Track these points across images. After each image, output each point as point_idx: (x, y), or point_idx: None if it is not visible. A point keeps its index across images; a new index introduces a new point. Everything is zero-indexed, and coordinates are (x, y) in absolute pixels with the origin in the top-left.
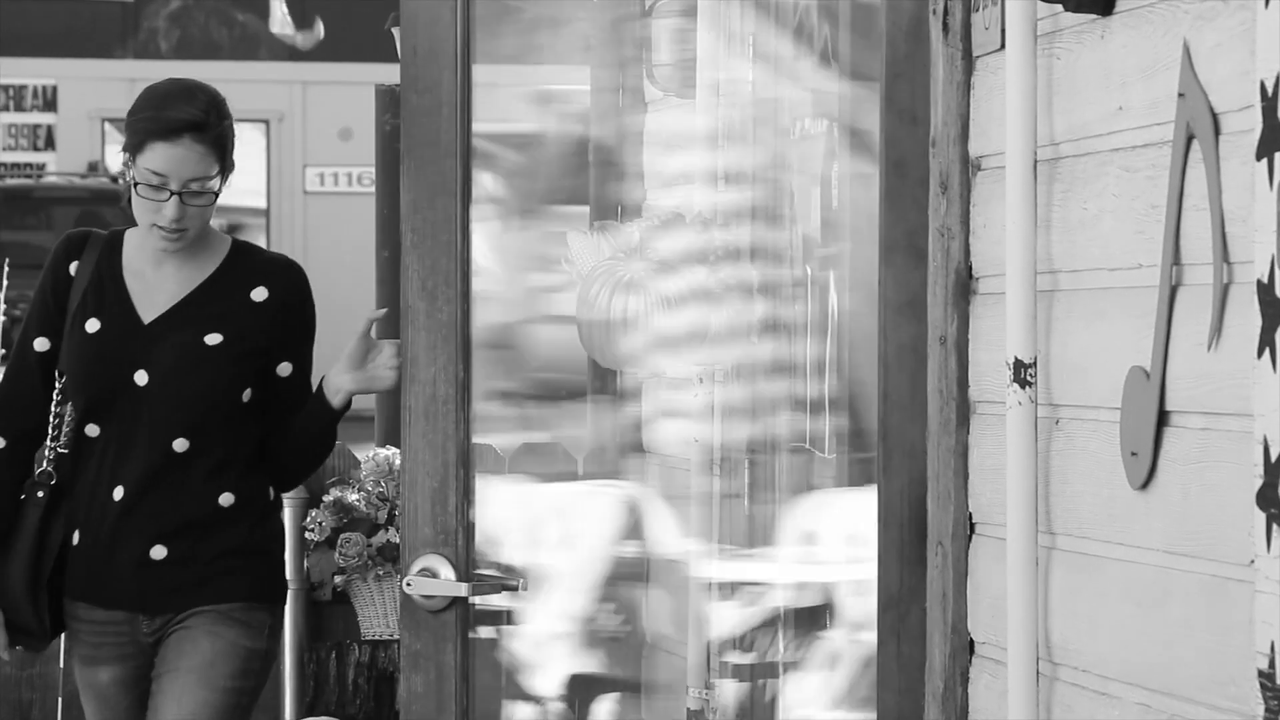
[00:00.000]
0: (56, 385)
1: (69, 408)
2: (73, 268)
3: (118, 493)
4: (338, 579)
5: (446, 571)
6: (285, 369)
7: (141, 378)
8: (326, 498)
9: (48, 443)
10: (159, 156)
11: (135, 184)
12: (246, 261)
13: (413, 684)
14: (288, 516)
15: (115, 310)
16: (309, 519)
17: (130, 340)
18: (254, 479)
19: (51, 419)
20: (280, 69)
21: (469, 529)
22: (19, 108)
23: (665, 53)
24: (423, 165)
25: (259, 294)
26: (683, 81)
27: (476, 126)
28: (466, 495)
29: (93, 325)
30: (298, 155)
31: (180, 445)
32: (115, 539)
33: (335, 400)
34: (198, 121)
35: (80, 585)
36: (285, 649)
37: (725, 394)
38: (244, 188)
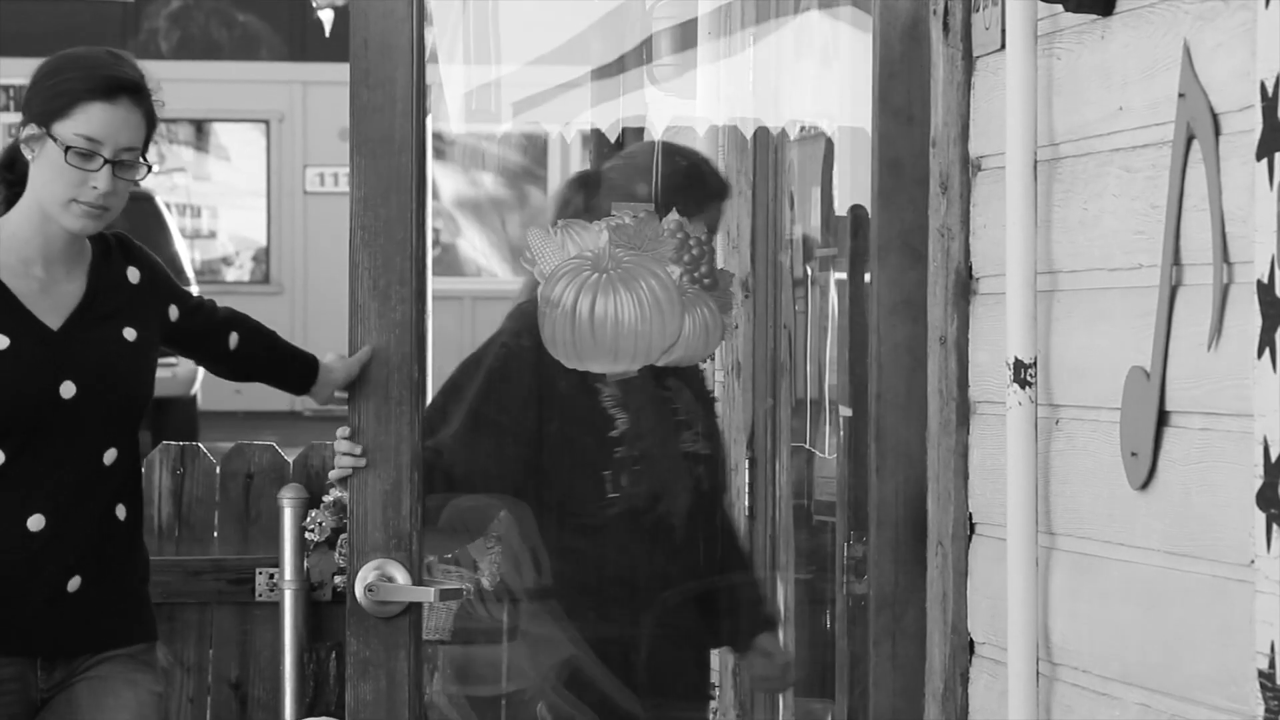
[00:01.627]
0: None
1: None
2: None
3: (34, 522)
4: (338, 579)
5: (401, 576)
6: (173, 312)
7: (68, 389)
8: (326, 498)
9: None
10: (93, 119)
11: (65, 151)
12: (103, 246)
13: (361, 692)
14: (287, 516)
15: (13, 321)
16: (309, 519)
17: (45, 350)
18: (138, 486)
19: None
20: (280, 69)
21: (422, 533)
22: (19, 108)
23: (666, 52)
24: (375, 160)
25: (133, 275)
26: (683, 81)
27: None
28: (420, 499)
29: (1, 342)
30: (298, 155)
31: (110, 457)
32: (28, 575)
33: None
34: (136, 83)
35: None
36: (286, 649)
37: (732, 395)
38: (245, 188)
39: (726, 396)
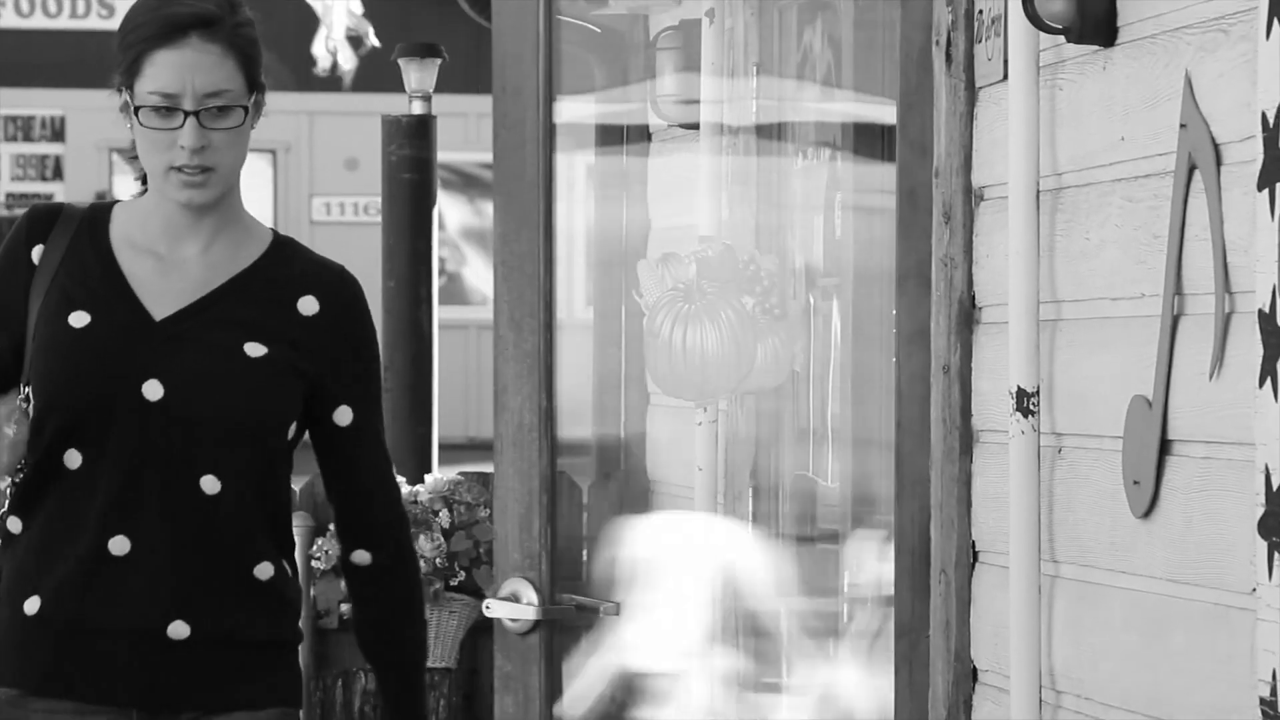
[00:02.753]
0: (20, 396)
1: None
2: (36, 253)
3: (117, 545)
4: (344, 607)
5: (529, 595)
6: (345, 415)
7: (153, 390)
8: (333, 526)
9: None
10: (161, 70)
11: (141, 123)
12: (291, 260)
13: (504, 705)
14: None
15: (110, 301)
16: (315, 547)
17: (136, 340)
18: (291, 551)
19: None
20: (287, 99)
21: (552, 554)
22: (27, 138)
23: (670, 84)
24: (510, 199)
25: (307, 305)
26: (687, 112)
27: None
28: (550, 520)
29: (79, 319)
30: (304, 185)
31: (210, 485)
32: (112, 606)
33: None
34: (206, 16)
35: (38, 670)
36: None
37: (735, 423)
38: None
39: (730, 425)
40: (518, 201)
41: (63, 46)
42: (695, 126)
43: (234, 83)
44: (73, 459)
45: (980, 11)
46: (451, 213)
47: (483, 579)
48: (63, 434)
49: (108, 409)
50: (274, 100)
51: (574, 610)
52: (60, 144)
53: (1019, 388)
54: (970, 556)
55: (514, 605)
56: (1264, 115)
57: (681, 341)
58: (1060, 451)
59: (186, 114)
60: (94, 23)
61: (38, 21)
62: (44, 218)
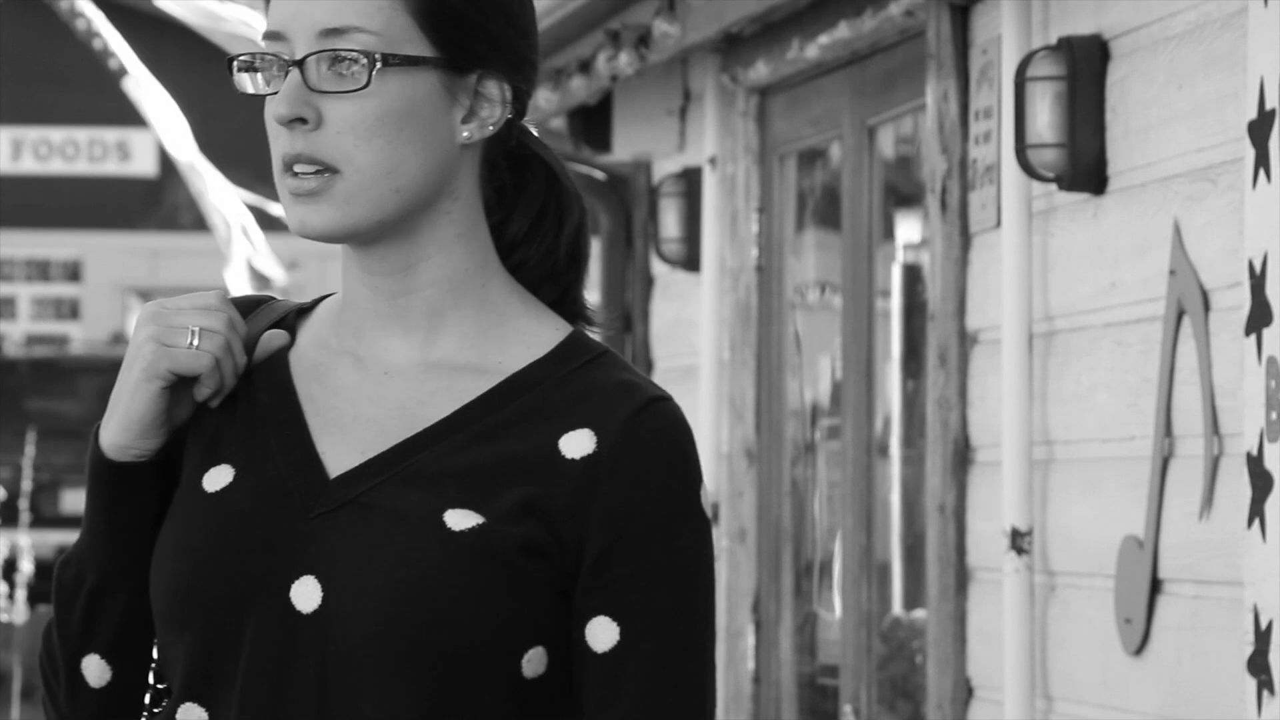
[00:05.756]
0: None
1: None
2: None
3: None
4: None
5: None
6: (605, 635)
7: (307, 594)
8: None
9: None
10: (275, 4)
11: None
12: (579, 374)
13: None
14: None
15: (267, 446)
16: None
17: (291, 511)
18: None
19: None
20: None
21: None
22: (45, 279)
23: (672, 228)
24: None
25: (576, 444)
26: (689, 256)
27: None
28: None
29: (218, 477)
30: None
31: None
32: None
33: None
34: None
35: None
36: None
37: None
38: None
39: (731, 562)
40: None
41: (80, 190)
42: (697, 268)
43: (377, 20)
44: (191, 713)
45: (974, 160)
46: None
47: None
48: (172, 668)
49: (234, 628)
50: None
51: None
52: (78, 285)
53: (1013, 528)
54: (966, 692)
55: None
56: (1251, 263)
57: None
58: (1054, 590)
59: (287, 63)
60: (110, 167)
61: (55, 166)
62: (246, 308)
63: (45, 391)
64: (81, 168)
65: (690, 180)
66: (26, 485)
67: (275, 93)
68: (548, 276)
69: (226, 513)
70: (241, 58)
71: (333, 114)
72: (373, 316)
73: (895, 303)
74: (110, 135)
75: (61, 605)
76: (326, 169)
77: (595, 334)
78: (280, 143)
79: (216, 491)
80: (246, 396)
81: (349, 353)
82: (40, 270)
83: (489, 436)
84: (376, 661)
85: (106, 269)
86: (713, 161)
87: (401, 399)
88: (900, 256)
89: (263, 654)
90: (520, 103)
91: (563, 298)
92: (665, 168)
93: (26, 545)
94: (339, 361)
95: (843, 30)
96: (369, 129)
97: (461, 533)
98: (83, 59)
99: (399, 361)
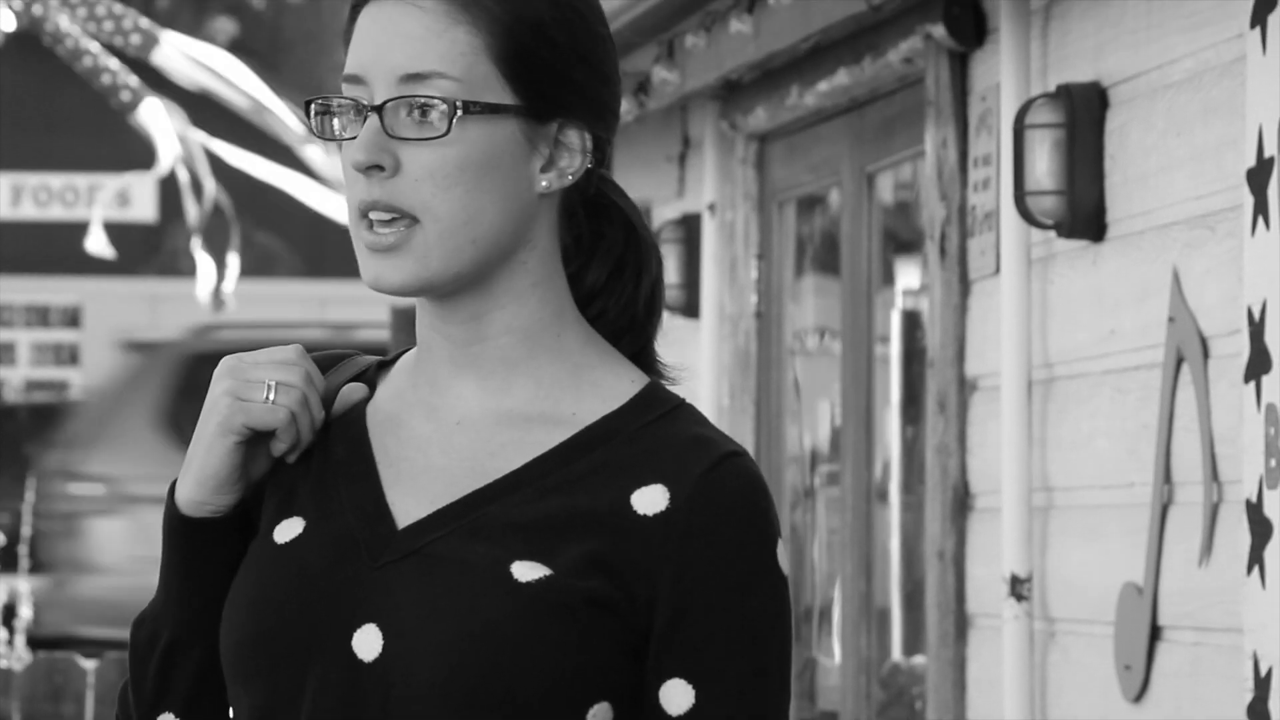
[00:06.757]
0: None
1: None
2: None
3: None
4: None
5: None
6: (680, 699)
7: (369, 642)
8: None
9: None
10: (353, 46)
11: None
12: (650, 425)
13: None
14: None
15: (338, 498)
16: None
17: (357, 561)
18: None
19: None
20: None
21: None
22: (44, 325)
23: (671, 274)
24: None
25: (649, 499)
26: (688, 302)
27: None
28: None
29: (289, 529)
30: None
31: None
32: None
33: None
34: None
35: None
36: None
37: None
38: None
39: None
40: None
41: (79, 236)
42: (696, 315)
43: (458, 66)
44: None
45: (973, 207)
46: None
47: None
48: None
49: (298, 678)
50: (284, 287)
51: None
52: (77, 331)
53: (1013, 574)
54: None
55: None
56: (1250, 310)
57: None
58: (1053, 636)
59: (366, 109)
60: (110, 213)
61: (54, 212)
62: (326, 365)
63: (44, 439)
64: (81, 213)
65: (689, 226)
66: (26, 530)
67: (353, 138)
68: (628, 328)
69: (293, 564)
70: (319, 101)
71: (411, 161)
72: (447, 365)
73: (894, 349)
74: (110, 181)
75: (136, 664)
76: (403, 216)
77: (669, 385)
78: (357, 189)
79: (286, 543)
80: (323, 451)
81: (423, 403)
82: (40, 316)
83: (559, 490)
84: (437, 711)
85: (106, 315)
86: (712, 208)
87: (473, 449)
88: (899, 303)
89: (325, 703)
90: (600, 151)
91: (641, 350)
92: (664, 214)
93: (26, 591)
94: (413, 412)
95: (842, 77)
96: (448, 177)
97: (528, 584)
98: (83, 104)
99: (472, 410)
